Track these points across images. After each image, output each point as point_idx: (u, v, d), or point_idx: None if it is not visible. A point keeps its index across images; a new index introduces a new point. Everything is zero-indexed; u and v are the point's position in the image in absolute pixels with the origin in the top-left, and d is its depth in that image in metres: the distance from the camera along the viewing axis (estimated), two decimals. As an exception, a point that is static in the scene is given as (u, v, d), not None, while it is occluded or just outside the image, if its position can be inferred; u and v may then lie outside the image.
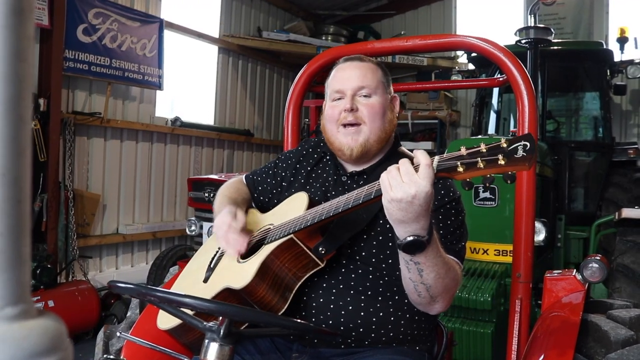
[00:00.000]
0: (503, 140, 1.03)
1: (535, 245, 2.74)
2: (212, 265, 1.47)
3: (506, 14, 7.79)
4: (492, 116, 5.76)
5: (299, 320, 1.20)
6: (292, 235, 1.28)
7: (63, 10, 4.80)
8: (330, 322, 1.35)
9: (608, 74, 5.27)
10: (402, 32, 8.43)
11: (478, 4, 8.18)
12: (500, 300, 3.10)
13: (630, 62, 5.22)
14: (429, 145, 7.49)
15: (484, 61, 5.26)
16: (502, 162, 1.01)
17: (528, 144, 1.01)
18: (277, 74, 8.32)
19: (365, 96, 1.47)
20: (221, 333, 1.05)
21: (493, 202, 3.41)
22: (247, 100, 7.69)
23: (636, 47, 5.48)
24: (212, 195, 5.01)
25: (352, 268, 1.39)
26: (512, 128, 5.60)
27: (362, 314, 1.36)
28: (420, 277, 1.21)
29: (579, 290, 1.49)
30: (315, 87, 2.16)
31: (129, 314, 1.81)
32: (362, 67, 1.50)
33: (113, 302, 5.16)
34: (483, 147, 1.04)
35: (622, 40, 5.49)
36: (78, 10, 4.96)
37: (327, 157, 1.61)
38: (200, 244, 5.13)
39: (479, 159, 1.03)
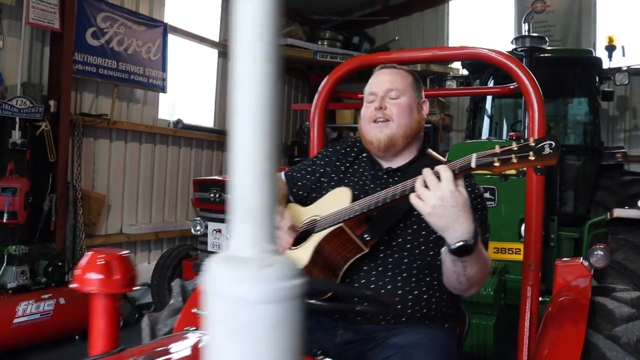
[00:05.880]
0: (531, 140, 1.22)
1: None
2: None
3: (497, 20, 8.04)
4: (486, 121, 5.97)
5: (368, 292, 1.40)
6: (342, 224, 1.45)
7: (73, 14, 4.92)
8: None
9: (597, 80, 5.51)
10: (397, 38, 8.63)
11: (470, 10, 8.42)
12: (501, 295, 3.29)
13: (618, 70, 5.46)
14: (423, 148, 7.66)
15: (478, 67, 5.47)
16: (532, 158, 1.21)
17: (553, 142, 1.20)
18: (274, 77, 8.47)
19: (394, 97, 1.66)
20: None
21: (492, 202, 3.60)
22: (245, 103, 7.82)
23: (623, 55, 5.73)
24: (217, 195, 5.14)
25: (390, 253, 1.57)
26: (505, 132, 5.82)
27: (399, 292, 1.54)
28: (464, 271, 1.39)
29: (585, 275, 1.68)
30: (339, 92, 2.33)
31: (171, 301, 1.96)
32: (393, 73, 1.71)
33: (118, 300, 5.27)
34: (514, 146, 1.24)
35: (610, 48, 5.75)
36: (87, 14, 5.08)
37: (364, 155, 1.78)
38: (205, 243, 5.27)
39: (513, 155, 1.22)
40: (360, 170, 1.75)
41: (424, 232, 1.56)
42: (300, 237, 1.56)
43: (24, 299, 4.16)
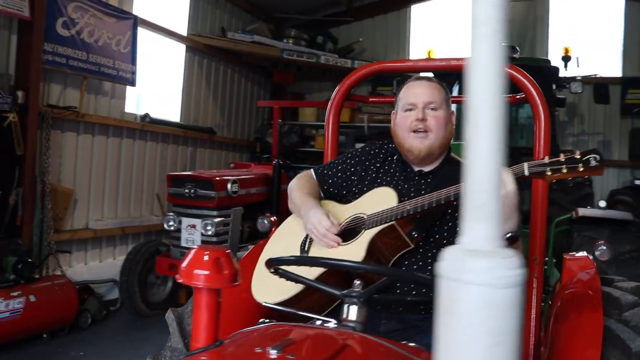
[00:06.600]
0: (577, 153, 1.37)
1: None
2: (305, 248, 1.72)
3: (456, 24, 8.40)
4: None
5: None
6: (393, 222, 1.57)
7: (43, 2, 4.75)
8: (414, 292, 1.65)
9: (554, 88, 5.90)
10: (360, 39, 8.81)
11: (430, 14, 8.76)
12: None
13: (573, 79, 5.87)
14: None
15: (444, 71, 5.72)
16: (582, 169, 1.36)
17: (598, 156, 1.36)
18: (237, 74, 8.46)
19: (433, 109, 1.78)
20: (361, 298, 1.30)
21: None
22: (210, 99, 7.79)
23: (578, 66, 6.16)
24: (192, 191, 5.12)
25: (428, 248, 1.71)
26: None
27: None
28: None
29: (591, 267, 1.88)
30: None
31: (197, 295, 1.99)
32: (431, 86, 1.82)
33: (87, 297, 5.15)
34: (562, 157, 1.40)
35: (566, 59, 6.17)
36: (58, 3, 4.92)
37: (395, 158, 1.90)
38: (178, 239, 5.23)
39: (563, 166, 1.37)
40: (392, 171, 1.87)
41: (458, 229, 1.69)
42: (348, 234, 1.67)
43: (-8, 297, 4.02)
